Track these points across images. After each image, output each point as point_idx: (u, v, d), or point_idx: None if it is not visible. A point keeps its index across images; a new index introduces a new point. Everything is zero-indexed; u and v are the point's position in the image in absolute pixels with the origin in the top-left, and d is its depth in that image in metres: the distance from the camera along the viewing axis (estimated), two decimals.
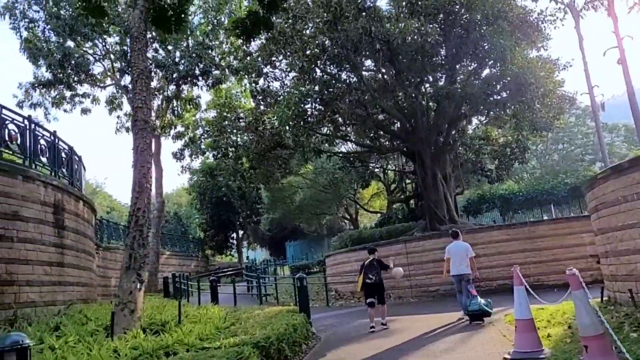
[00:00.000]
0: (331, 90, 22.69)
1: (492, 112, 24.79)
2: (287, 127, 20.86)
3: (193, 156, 41.31)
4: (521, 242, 17.50)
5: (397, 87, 22.94)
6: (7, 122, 10.65)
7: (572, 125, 47.71)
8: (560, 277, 17.62)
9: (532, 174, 48.69)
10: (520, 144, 29.24)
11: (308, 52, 22.56)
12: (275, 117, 21.96)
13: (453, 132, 24.84)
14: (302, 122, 21.60)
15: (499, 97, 22.43)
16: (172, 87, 28.15)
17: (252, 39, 13.07)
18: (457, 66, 23.04)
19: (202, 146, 39.98)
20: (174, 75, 26.04)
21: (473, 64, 22.58)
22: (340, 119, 25.26)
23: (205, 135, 38.91)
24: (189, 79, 26.51)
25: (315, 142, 23.99)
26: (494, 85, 21.63)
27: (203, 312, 11.48)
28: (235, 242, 48.16)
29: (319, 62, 22.67)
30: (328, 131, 26.65)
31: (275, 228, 48.69)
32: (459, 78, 22.82)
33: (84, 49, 28.30)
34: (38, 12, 26.36)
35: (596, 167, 44.32)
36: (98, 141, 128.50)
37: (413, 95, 22.52)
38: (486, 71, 22.73)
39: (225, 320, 10.37)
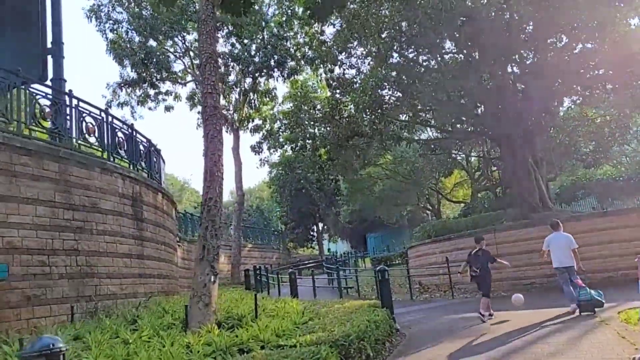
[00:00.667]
0: (409, 75, 21.65)
1: (587, 91, 22.78)
2: (364, 114, 20.07)
3: (271, 149, 41.80)
4: (631, 230, 15.60)
5: (482, 67, 21.43)
6: (84, 114, 10.72)
7: None
8: None
9: (633, 157, 44.46)
10: (620, 123, 26.52)
11: (384, 34, 21.64)
12: (352, 104, 21.23)
13: (544, 114, 22.85)
14: (379, 109, 20.73)
15: (596, 73, 20.37)
16: (249, 80, 28.23)
17: (325, 21, 12.42)
18: (548, 41, 21.09)
19: (281, 139, 40.25)
20: (250, 68, 26.04)
21: (565, 38, 20.53)
22: (419, 104, 24.12)
23: (283, 128, 39.10)
24: (264, 70, 26.41)
25: (393, 129, 23.04)
26: (591, 58, 19.59)
27: (281, 305, 11.04)
28: (315, 234, 48.10)
29: (395, 44, 21.69)
30: (407, 117, 25.58)
31: (355, 220, 48.09)
32: (549, 55, 20.88)
33: (165, 47, 29.05)
34: (121, 13, 27.32)
35: None
36: (183, 138, 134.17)
37: (499, 73, 20.94)
38: (580, 46, 20.64)
39: (303, 314, 9.84)
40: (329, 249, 52.70)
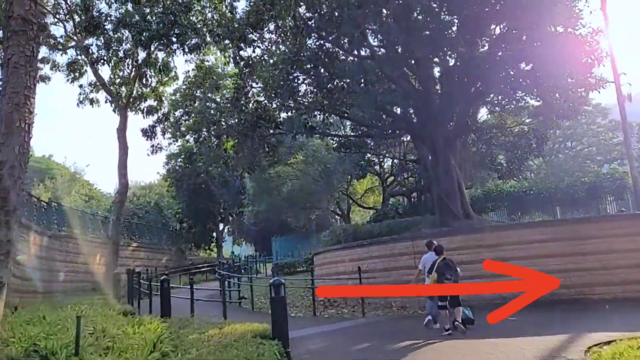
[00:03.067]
0: (326, 65, 19.19)
1: (506, 99, 21.61)
2: (274, 95, 17.13)
3: (172, 139, 37.56)
4: (561, 245, 13.85)
5: (407, 58, 19.36)
6: None
7: (583, 122, 44.27)
8: (609, 289, 14.29)
9: (537, 173, 45.23)
10: (538, 134, 25.62)
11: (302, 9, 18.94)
12: (260, 82, 18.09)
13: (467, 119, 21.08)
14: (290, 97, 17.90)
15: (523, 73, 18.90)
16: (143, 54, 24.24)
17: None
18: (479, 39, 19.32)
19: (182, 128, 36.22)
20: (144, 35, 22.09)
21: (497, 29, 18.80)
22: (337, 97, 21.66)
23: (186, 117, 35.18)
24: (162, 40, 22.57)
25: (305, 118, 20.28)
26: (518, 58, 18.00)
27: (130, 330, 7.72)
28: (216, 235, 44.30)
29: (313, 23, 19.03)
30: (322, 115, 22.91)
31: (261, 222, 44.92)
32: (475, 55, 19.10)
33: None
34: None
35: (607, 167, 41.05)
36: (76, 119, 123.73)
37: (426, 66, 18.94)
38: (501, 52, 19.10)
39: (155, 348, 6.63)
40: (232, 252, 49.02)
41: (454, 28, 18.97)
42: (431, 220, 18.77)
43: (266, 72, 16.20)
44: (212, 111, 33.07)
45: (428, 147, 19.41)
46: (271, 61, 16.62)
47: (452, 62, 20.74)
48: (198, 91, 31.41)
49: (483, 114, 26.12)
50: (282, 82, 16.71)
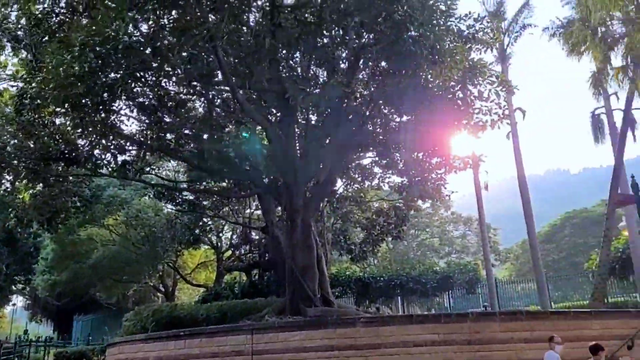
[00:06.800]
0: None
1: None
2: (67, 105, 11.53)
3: None
4: (458, 349, 9.97)
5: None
6: None
7: (427, 212, 44.37)
8: None
9: (382, 259, 43.57)
10: (400, 212, 22.96)
11: None
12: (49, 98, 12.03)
13: (331, 177, 17.39)
14: (94, 107, 12.36)
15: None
16: None
17: None
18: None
19: None
20: None
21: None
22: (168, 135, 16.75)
23: None
24: None
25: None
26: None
27: None
28: None
29: None
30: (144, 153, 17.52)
31: (65, 295, 35.95)
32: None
33: None
34: None
35: (453, 258, 40.76)
36: None
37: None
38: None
39: None
40: (25, 332, 38.67)
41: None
42: (279, 305, 13.98)
43: (58, 60, 10.54)
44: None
45: (283, 208, 15.09)
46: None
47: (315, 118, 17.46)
48: None
49: (341, 185, 22.89)
50: (82, 89, 11.13)
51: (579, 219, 52.30)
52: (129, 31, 12.68)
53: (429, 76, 11.59)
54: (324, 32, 12.38)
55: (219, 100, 16.32)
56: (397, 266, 34.74)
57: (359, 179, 21.00)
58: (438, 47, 10.55)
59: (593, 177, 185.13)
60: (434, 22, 11.03)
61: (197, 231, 23.36)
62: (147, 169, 18.30)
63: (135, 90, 14.87)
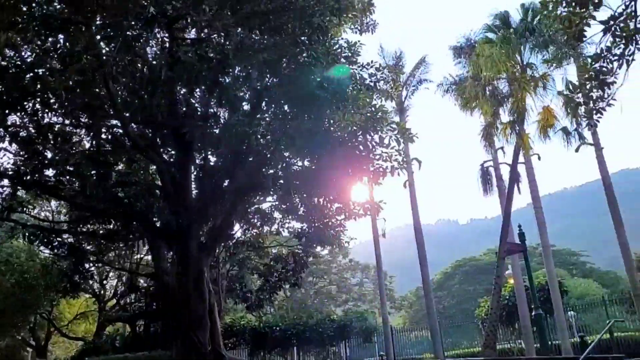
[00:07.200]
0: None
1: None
2: None
3: None
4: None
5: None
6: None
7: (325, 259, 44.31)
8: None
9: (279, 307, 42.47)
10: (299, 258, 22.51)
11: None
12: None
13: (228, 221, 16.57)
14: None
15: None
16: None
17: None
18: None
19: None
20: None
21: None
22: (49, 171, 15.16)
23: None
24: None
25: None
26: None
27: None
28: None
29: None
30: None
31: None
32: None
33: None
34: None
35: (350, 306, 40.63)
36: None
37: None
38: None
39: None
40: None
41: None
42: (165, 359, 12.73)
43: None
44: None
45: (176, 253, 14.01)
46: None
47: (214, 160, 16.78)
48: None
49: (239, 229, 22.09)
50: None
51: (468, 267, 55.06)
52: (7, 54, 11.47)
53: (332, 120, 11.49)
54: (227, 69, 11.93)
55: (108, 135, 15.07)
56: (295, 315, 33.92)
57: (258, 223, 20.40)
58: (341, 91, 10.50)
59: (479, 227, 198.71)
60: (338, 67, 11.05)
61: (76, 278, 21.12)
62: (21, 208, 16.31)
63: (11, 119, 13.40)
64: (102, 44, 11.25)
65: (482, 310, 23.08)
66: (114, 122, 13.97)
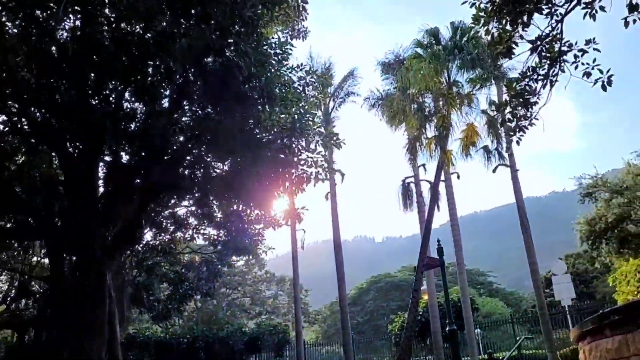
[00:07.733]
0: None
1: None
2: None
3: None
4: None
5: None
6: None
7: (240, 271, 43.17)
8: None
9: (188, 318, 40.75)
10: (212, 267, 21.52)
11: None
12: None
13: (137, 222, 15.36)
14: None
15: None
16: None
17: None
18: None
19: None
20: None
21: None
22: None
23: None
24: None
25: None
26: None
27: None
28: None
29: None
30: None
31: None
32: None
33: None
34: None
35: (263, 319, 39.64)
36: None
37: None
38: None
39: None
40: None
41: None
42: None
43: None
44: None
45: (77, 255, 12.71)
46: None
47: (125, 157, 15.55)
48: None
49: (148, 232, 20.75)
50: None
51: (383, 283, 55.93)
52: None
53: (257, 120, 10.90)
54: (146, 59, 10.99)
55: (5, 120, 13.51)
56: (204, 326, 32.52)
57: (172, 229, 19.29)
58: (270, 90, 9.98)
59: (394, 245, 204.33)
60: (266, 65, 10.53)
61: None
62: None
63: None
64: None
65: (396, 326, 23.19)
66: (14, 104, 12.47)
